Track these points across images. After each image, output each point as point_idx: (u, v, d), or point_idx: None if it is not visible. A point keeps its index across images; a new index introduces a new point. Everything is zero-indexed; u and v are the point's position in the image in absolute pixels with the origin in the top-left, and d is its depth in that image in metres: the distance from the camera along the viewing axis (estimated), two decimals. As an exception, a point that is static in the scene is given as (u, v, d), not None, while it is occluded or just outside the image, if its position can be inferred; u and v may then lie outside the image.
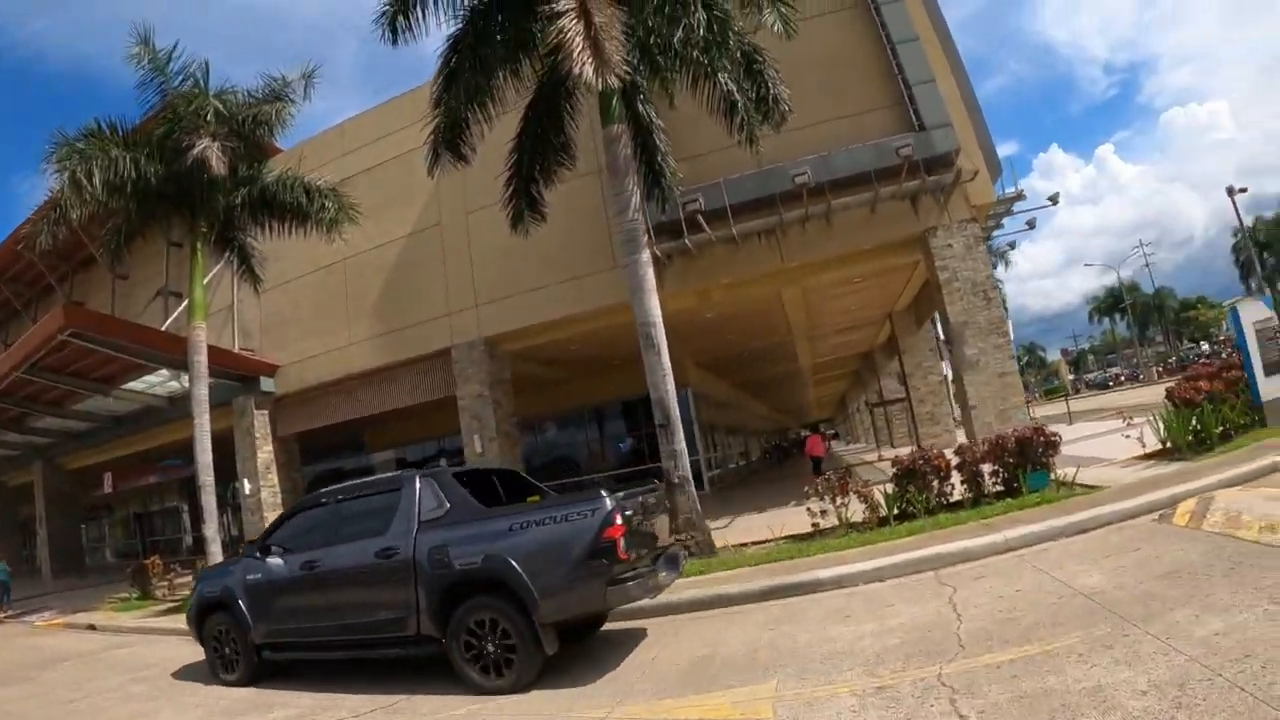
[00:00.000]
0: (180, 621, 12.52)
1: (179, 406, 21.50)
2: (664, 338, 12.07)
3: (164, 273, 24.02)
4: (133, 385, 22.72)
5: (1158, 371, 58.92)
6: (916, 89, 16.54)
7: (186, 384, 17.12)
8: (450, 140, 13.80)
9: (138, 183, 15.16)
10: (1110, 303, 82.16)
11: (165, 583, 17.90)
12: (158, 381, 22.04)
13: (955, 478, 11.29)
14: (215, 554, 15.07)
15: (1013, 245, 27.50)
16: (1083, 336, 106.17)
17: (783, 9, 12.58)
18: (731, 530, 13.96)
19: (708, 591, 8.70)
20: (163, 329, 21.46)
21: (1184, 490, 8.75)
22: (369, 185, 19.44)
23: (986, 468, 11.24)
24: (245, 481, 21.90)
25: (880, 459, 26.92)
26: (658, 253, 15.53)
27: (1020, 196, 18.14)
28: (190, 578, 15.49)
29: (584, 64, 10.33)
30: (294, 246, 19.33)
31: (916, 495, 11.00)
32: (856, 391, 57.01)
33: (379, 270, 20.42)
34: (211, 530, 15.43)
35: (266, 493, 21.87)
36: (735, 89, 13.13)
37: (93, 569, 32.59)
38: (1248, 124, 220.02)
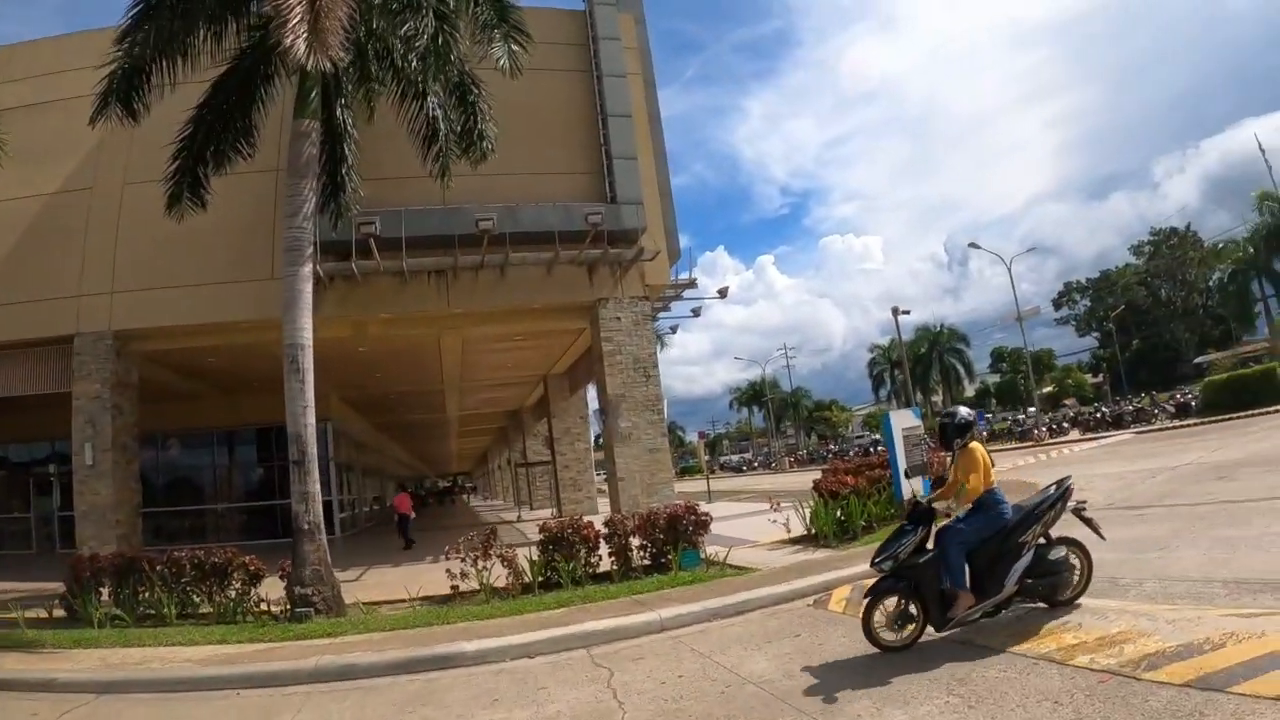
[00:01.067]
0: None
1: None
2: (311, 365, 10.76)
3: None
4: None
5: (789, 461, 65.04)
6: (617, 162, 16.94)
7: None
8: (125, 91, 11.71)
9: None
10: (751, 394, 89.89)
11: None
12: None
13: (603, 549, 10.98)
14: None
15: (674, 329, 28.84)
16: (720, 422, 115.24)
17: (514, 47, 12.17)
18: (362, 585, 12.68)
19: (335, 660, 7.47)
20: None
21: (836, 577, 9.07)
22: (24, 125, 15.36)
23: (636, 541, 11.08)
24: None
25: (520, 519, 26.57)
26: (320, 272, 14.14)
27: (692, 284, 18.98)
28: None
29: (298, 38, 9.23)
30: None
31: (563, 564, 10.53)
32: (500, 448, 56.81)
33: (8, 228, 16.45)
34: None
35: None
36: (442, 115, 12.45)
37: None
38: (894, 260, 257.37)
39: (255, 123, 12.61)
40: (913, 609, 6.01)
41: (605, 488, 22.06)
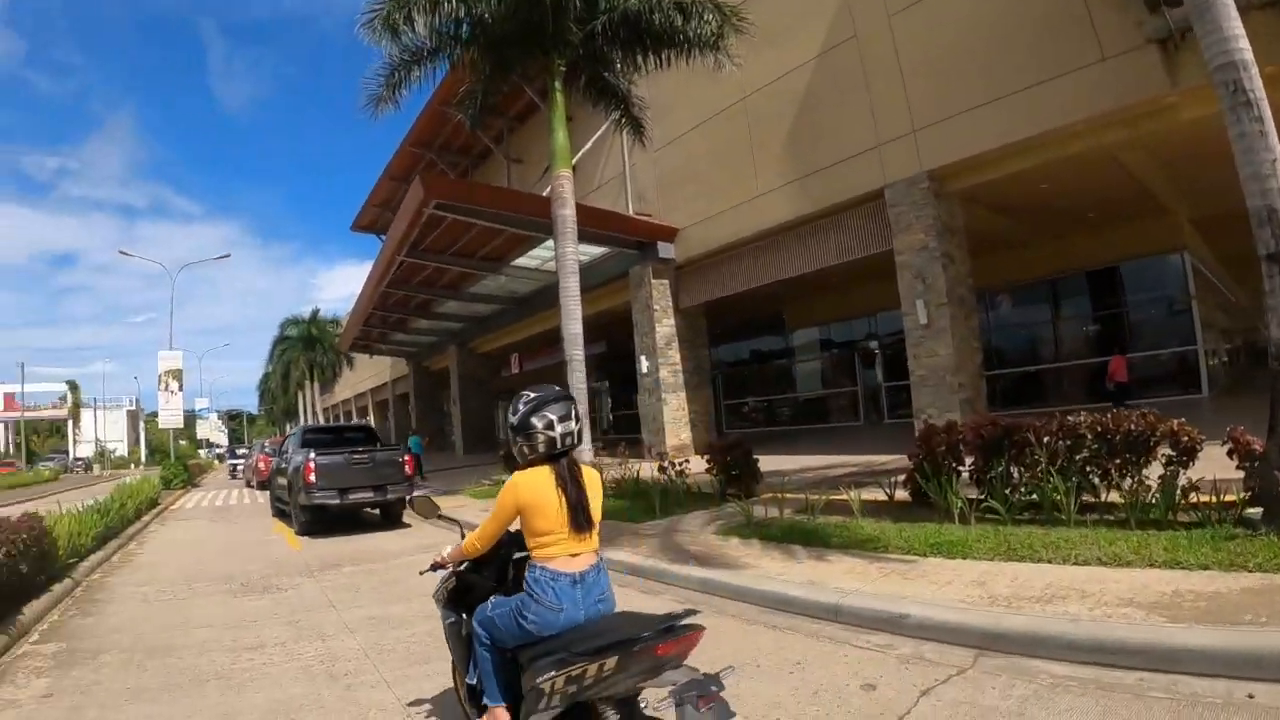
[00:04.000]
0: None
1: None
2: (1264, 94, 6.33)
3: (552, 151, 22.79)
4: (523, 261, 21.89)
5: None
6: None
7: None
8: None
9: (474, 27, 13.11)
10: None
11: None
12: (548, 256, 20.36)
13: None
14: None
15: None
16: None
17: None
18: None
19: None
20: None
21: None
22: (760, 11, 14.95)
23: None
24: (643, 359, 20.03)
25: None
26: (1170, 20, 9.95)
27: None
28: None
29: None
30: (683, 96, 17.08)
31: None
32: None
33: (785, 106, 16.39)
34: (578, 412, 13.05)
35: (666, 371, 19.76)
36: None
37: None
38: None
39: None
40: None
41: None
